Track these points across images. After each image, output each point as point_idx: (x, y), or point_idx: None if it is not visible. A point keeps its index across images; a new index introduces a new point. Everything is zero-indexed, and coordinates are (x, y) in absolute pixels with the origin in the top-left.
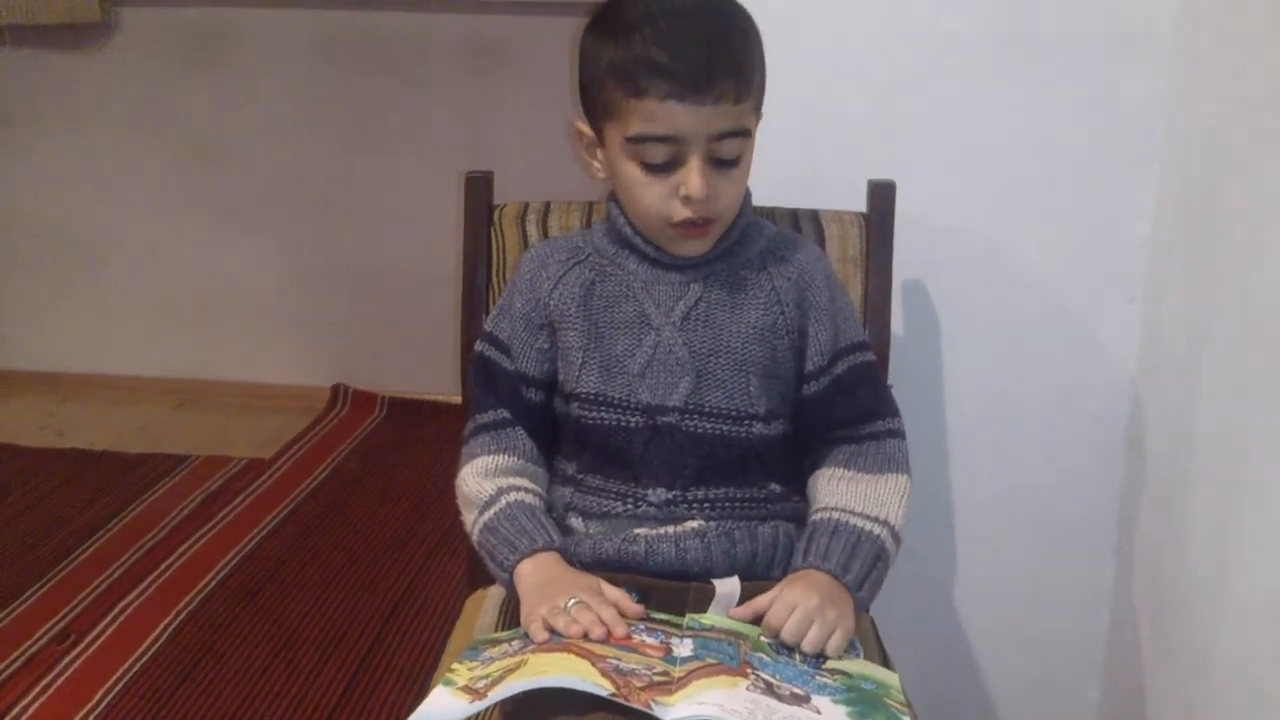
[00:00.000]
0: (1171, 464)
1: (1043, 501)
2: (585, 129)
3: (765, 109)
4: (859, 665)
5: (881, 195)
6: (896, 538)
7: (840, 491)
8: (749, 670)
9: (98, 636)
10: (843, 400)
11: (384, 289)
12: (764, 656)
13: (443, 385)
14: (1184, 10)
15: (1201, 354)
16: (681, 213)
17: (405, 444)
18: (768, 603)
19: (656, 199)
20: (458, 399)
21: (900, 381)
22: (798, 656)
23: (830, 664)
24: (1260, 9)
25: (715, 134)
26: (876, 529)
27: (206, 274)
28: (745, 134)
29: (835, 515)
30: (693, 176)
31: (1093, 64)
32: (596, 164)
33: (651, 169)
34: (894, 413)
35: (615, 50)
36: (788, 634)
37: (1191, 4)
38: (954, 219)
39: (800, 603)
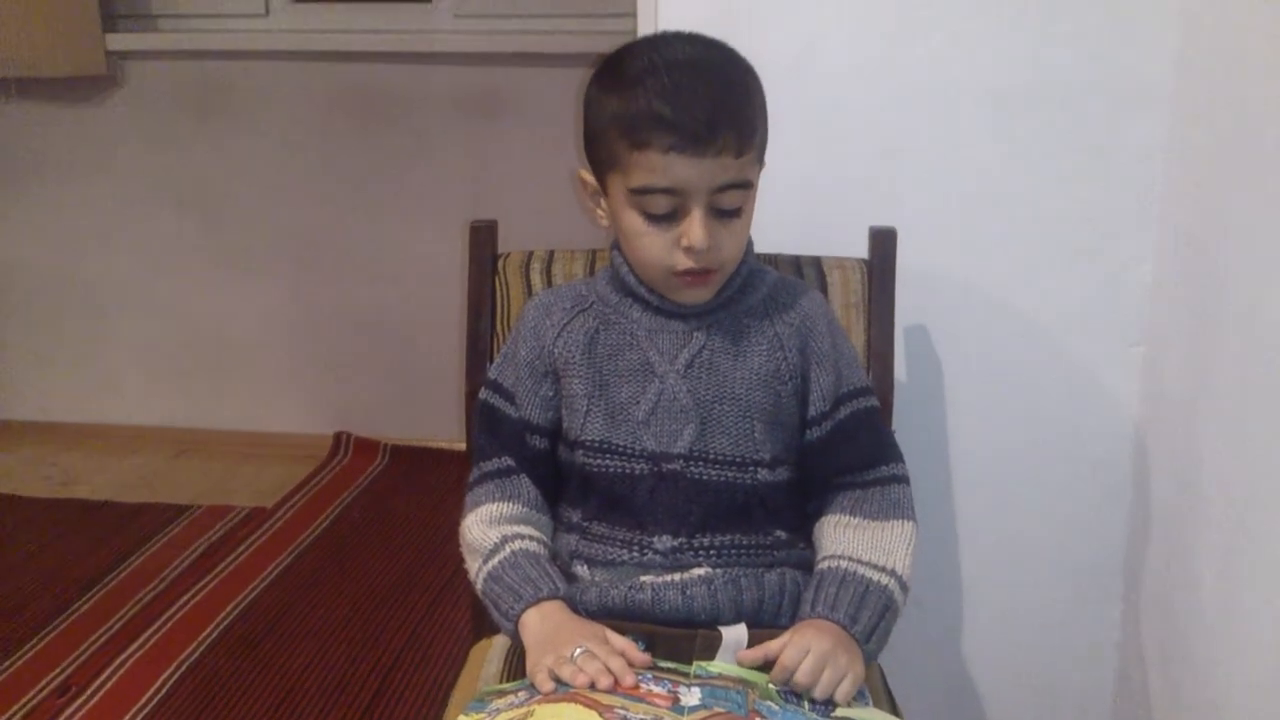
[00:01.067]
0: (1177, 509)
1: (1048, 548)
2: (589, 178)
3: (768, 157)
4: (868, 714)
5: (883, 242)
6: (904, 587)
7: (847, 539)
8: (757, 718)
9: (98, 689)
10: (846, 445)
11: (387, 337)
12: (773, 705)
13: (445, 432)
14: (1181, 60)
15: (1204, 397)
16: (684, 262)
17: (408, 492)
18: (779, 646)
19: (659, 249)
20: (461, 446)
21: (903, 427)
22: (806, 705)
23: (839, 712)
24: (1257, 58)
25: (717, 186)
26: (884, 579)
27: (209, 324)
28: (747, 185)
29: (843, 564)
30: (694, 228)
31: (1092, 112)
32: (600, 212)
33: (654, 219)
34: (898, 458)
35: (619, 102)
36: (802, 675)
37: (1189, 54)
38: (955, 265)
39: (813, 647)
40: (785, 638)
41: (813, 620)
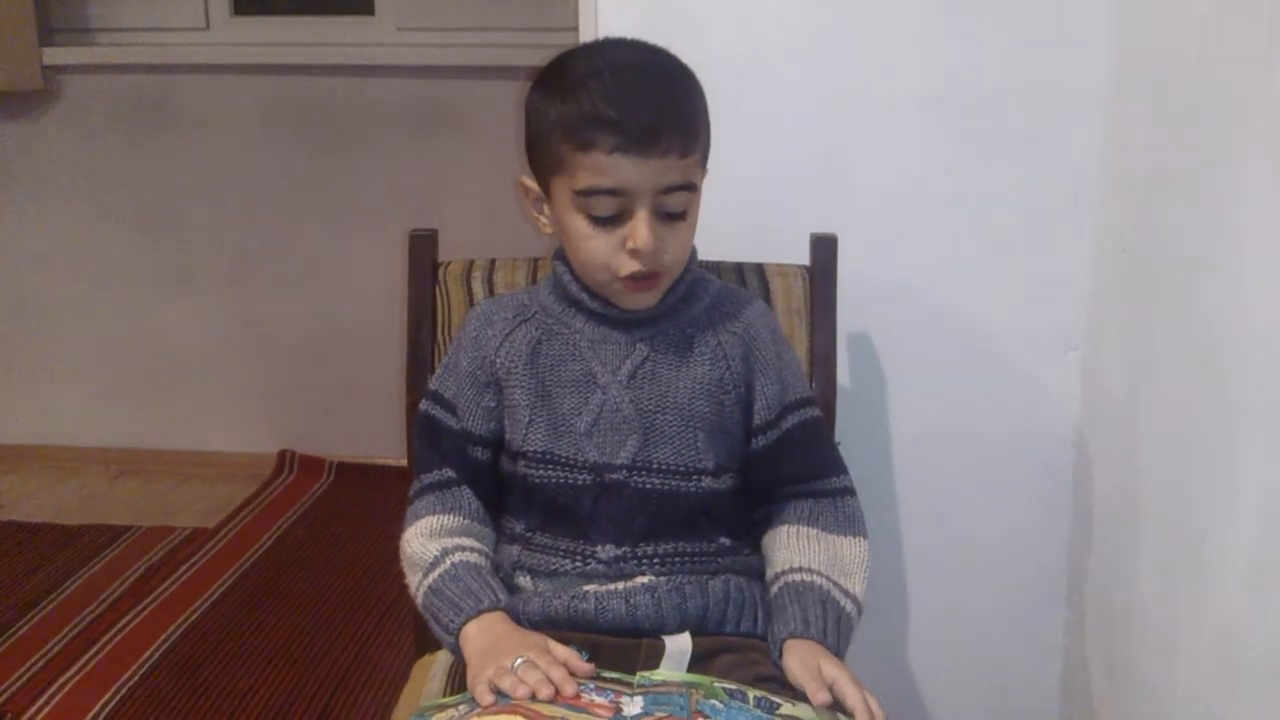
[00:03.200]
0: (1118, 510)
1: (992, 553)
2: (532, 185)
3: (711, 165)
4: (812, 712)
5: (824, 249)
6: (860, 611)
7: (811, 551)
8: (700, 718)
9: (36, 714)
10: (792, 455)
11: (331, 353)
12: (717, 704)
13: (391, 449)
14: (1115, 67)
15: (1142, 399)
16: (629, 266)
17: (353, 509)
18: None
19: (604, 252)
20: (406, 462)
21: (847, 433)
22: (752, 699)
23: (784, 710)
24: (1189, 64)
25: (662, 187)
26: (848, 604)
27: (150, 342)
28: (691, 188)
29: (816, 580)
30: (640, 229)
31: (1028, 121)
32: (543, 219)
33: (599, 222)
34: (844, 469)
35: (563, 106)
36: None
37: (1122, 61)
38: (896, 272)
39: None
40: (807, 667)
41: (807, 641)
